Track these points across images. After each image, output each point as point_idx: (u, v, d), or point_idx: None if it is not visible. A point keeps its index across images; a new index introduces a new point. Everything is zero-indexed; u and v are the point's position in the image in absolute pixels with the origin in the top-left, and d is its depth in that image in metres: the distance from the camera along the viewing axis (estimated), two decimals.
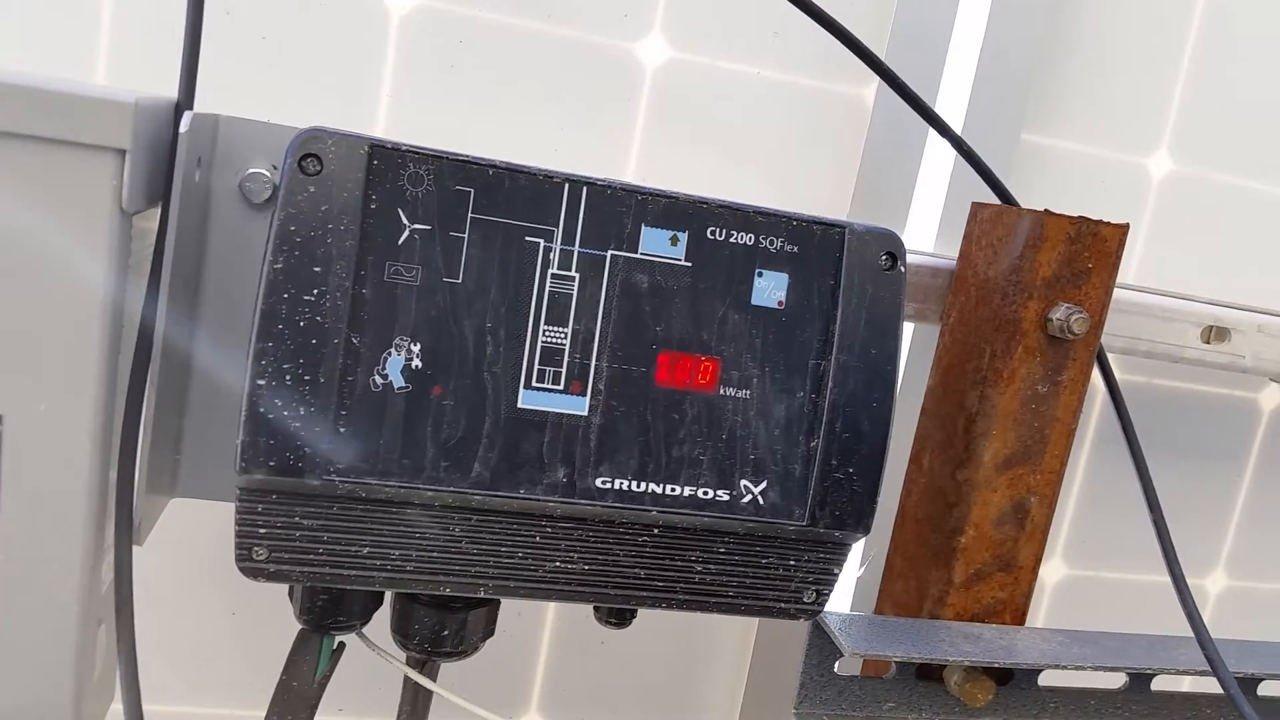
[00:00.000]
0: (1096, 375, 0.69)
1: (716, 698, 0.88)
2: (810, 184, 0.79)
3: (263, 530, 0.44)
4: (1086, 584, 0.95)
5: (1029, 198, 0.68)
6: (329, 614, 0.51)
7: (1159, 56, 0.86)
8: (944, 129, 0.66)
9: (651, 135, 0.76)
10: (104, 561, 0.47)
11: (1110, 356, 0.70)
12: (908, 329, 0.80)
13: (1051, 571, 0.94)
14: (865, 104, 0.79)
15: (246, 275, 0.50)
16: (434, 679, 0.55)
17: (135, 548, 0.46)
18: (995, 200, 0.68)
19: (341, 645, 0.54)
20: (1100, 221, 0.64)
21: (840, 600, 0.84)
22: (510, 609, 0.78)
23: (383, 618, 0.55)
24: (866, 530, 0.51)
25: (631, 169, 0.76)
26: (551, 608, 0.83)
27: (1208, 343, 0.80)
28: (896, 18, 0.77)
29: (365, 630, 0.54)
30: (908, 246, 0.51)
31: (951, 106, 0.80)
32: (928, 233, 0.80)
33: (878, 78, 0.66)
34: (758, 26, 0.76)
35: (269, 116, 0.51)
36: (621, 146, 0.75)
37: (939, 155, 0.80)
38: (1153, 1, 0.85)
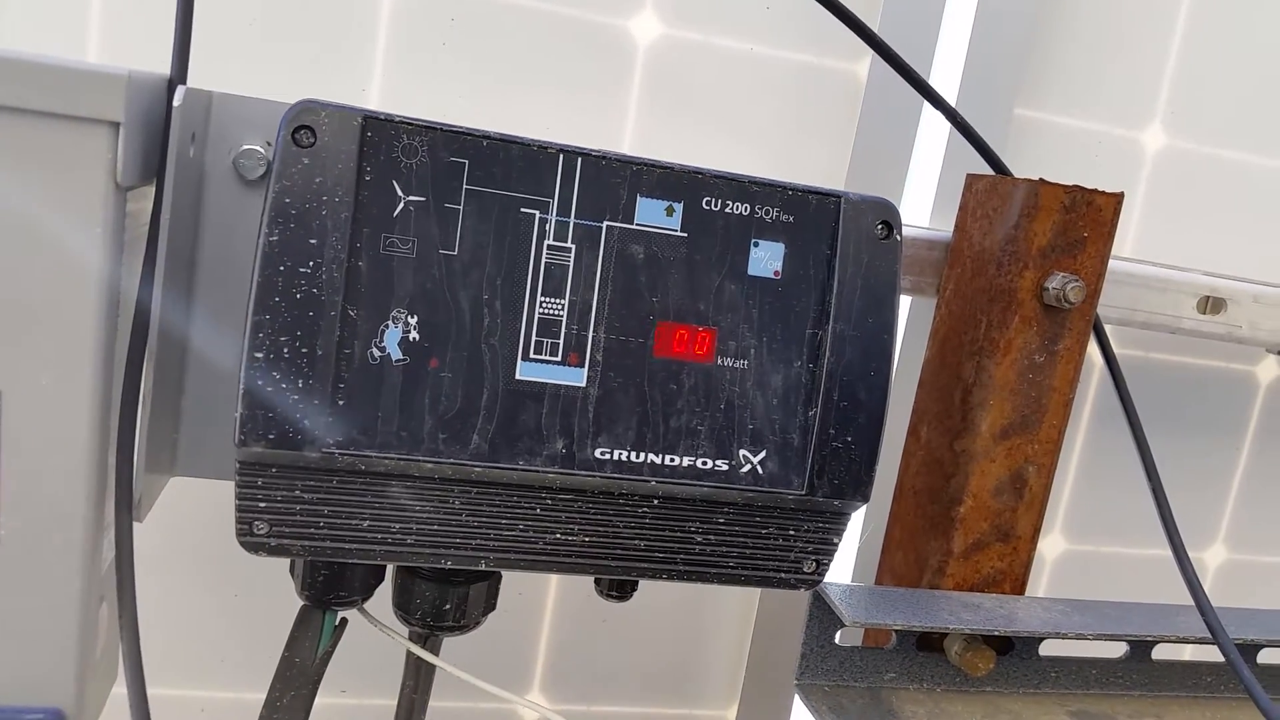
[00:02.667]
0: (1093, 350, 0.69)
1: (719, 672, 0.89)
2: (805, 159, 0.79)
3: (263, 504, 0.44)
4: (1086, 559, 0.96)
5: (1022, 172, 0.68)
6: (330, 589, 0.51)
7: (1152, 30, 0.86)
8: (938, 101, 0.66)
9: (645, 112, 0.76)
10: (105, 539, 0.47)
11: (1107, 329, 0.70)
12: (904, 302, 0.80)
13: (1051, 546, 0.94)
14: (859, 79, 0.79)
15: (241, 252, 0.50)
16: (436, 654, 0.55)
17: (136, 526, 0.46)
18: (990, 172, 0.68)
19: (344, 621, 0.54)
20: (1095, 190, 0.64)
21: (841, 573, 0.84)
22: (512, 588, 0.78)
23: (384, 596, 0.55)
24: (865, 499, 0.51)
25: (626, 145, 0.76)
26: (553, 586, 0.83)
27: (1204, 313, 0.80)
28: None
29: (367, 607, 0.54)
30: (904, 221, 0.51)
31: (944, 82, 0.80)
32: (923, 207, 0.80)
33: (871, 52, 0.66)
34: (749, 2, 0.76)
35: (261, 95, 0.51)
36: (615, 123, 0.75)
37: (933, 130, 0.80)
38: None
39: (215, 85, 0.50)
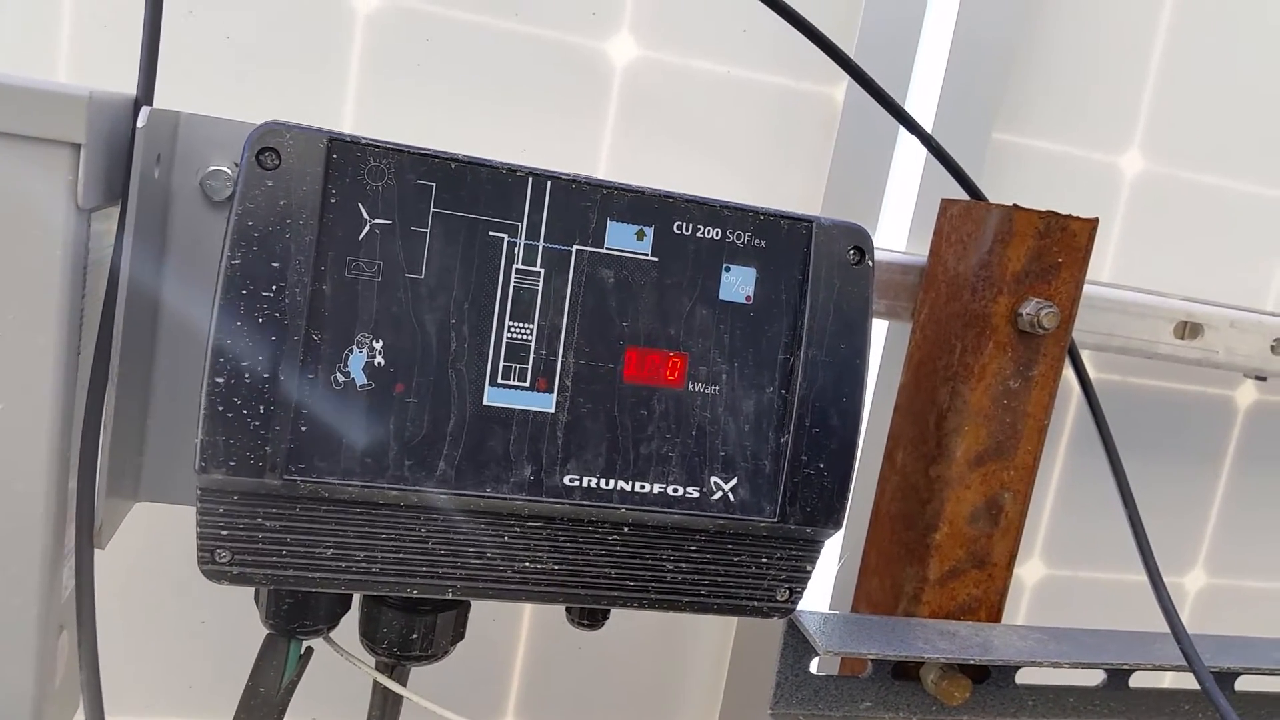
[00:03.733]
0: (1071, 376, 0.69)
1: (695, 701, 0.88)
2: (781, 184, 0.79)
3: (225, 532, 0.44)
4: (1066, 584, 0.95)
5: (1000, 197, 0.68)
6: (295, 618, 0.51)
7: (1130, 55, 0.87)
8: (913, 125, 0.65)
9: (621, 134, 0.75)
10: (65, 567, 0.46)
11: (1084, 353, 0.70)
12: (881, 327, 0.80)
13: (1031, 572, 0.94)
14: (835, 103, 0.79)
15: (208, 275, 0.49)
16: (404, 684, 0.54)
17: (99, 553, 0.45)
18: (965, 197, 0.68)
19: (309, 650, 0.53)
20: (1069, 216, 0.64)
21: (819, 600, 0.83)
22: (485, 614, 0.78)
23: (351, 623, 0.54)
24: (838, 526, 0.50)
25: (601, 168, 0.75)
26: (527, 613, 0.82)
27: (1181, 338, 0.80)
28: (865, 17, 0.77)
29: (334, 635, 0.53)
30: (880, 245, 0.51)
31: (921, 106, 0.80)
32: (899, 232, 0.80)
33: (848, 77, 0.66)
34: (727, 25, 0.76)
35: (232, 117, 0.50)
36: (591, 145, 0.75)
37: (910, 155, 0.80)
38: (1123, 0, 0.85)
39: (183, 107, 0.49)
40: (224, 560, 0.44)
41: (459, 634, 0.54)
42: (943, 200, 0.70)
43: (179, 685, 0.77)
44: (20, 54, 0.66)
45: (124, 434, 0.49)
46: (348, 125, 0.71)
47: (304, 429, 0.43)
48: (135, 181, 0.44)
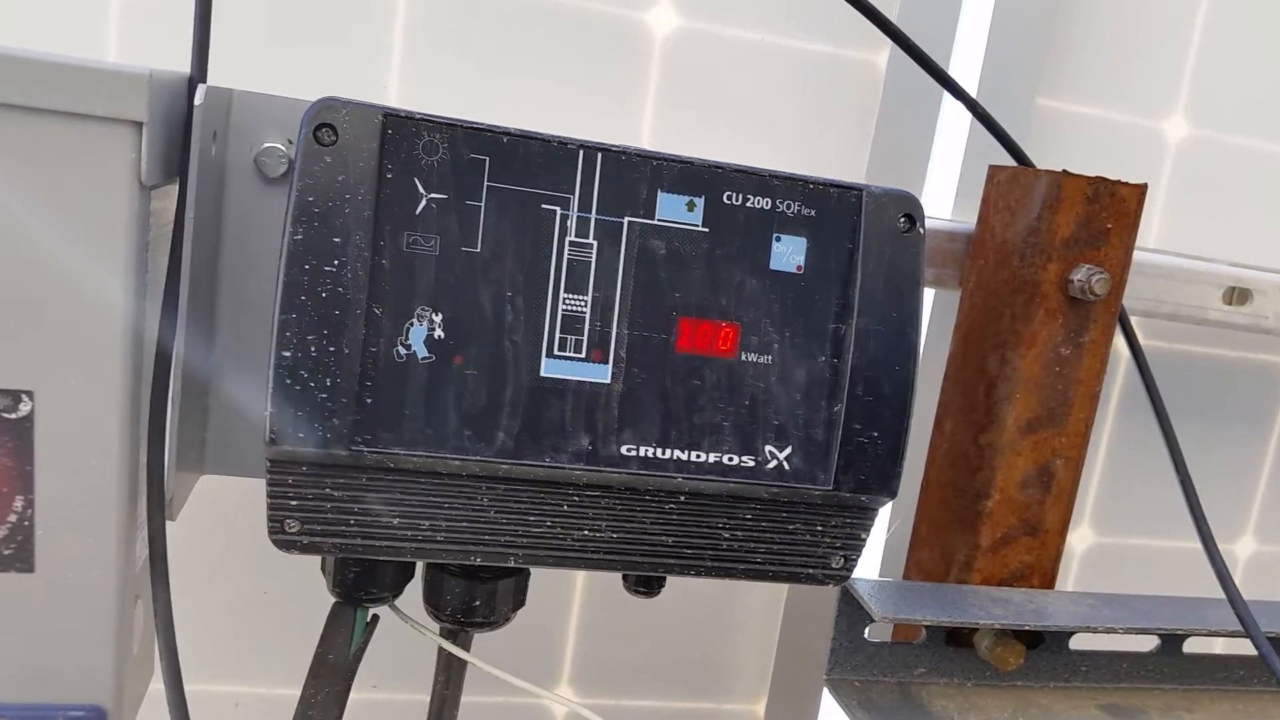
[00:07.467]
0: (1119, 342, 0.68)
1: (748, 666, 0.88)
2: (825, 152, 0.79)
3: (294, 503, 0.45)
4: (1115, 551, 0.95)
5: (1043, 164, 0.68)
6: (361, 586, 0.52)
7: (1173, 19, 0.86)
8: (958, 91, 0.65)
9: (663, 105, 0.75)
10: (138, 538, 0.47)
11: (1133, 320, 0.70)
12: (928, 296, 0.80)
13: (1080, 539, 0.94)
14: (878, 70, 0.78)
15: (263, 250, 0.50)
16: (467, 650, 0.55)
17: (169, 524, 0.46)
18: (1012, 163, 0.68)
19: (375, 618, 0.54)
20: (1118, 181, 0.64)
21: (869, 568, 0.84)
22: (540, 582, 0.79)
23: (415, 592, 0.55)
24: (892, 494, 0.51)
25: (644, 139, 0.76)
26: (581, 581, 0.83)
27: (1230, 304, 0.79)
28: None
29: (398, 603, 0.54)
30: (925, 213, 0.51)
31: (964, 73, 0.79)
32: (945, 199, 0.80)
33: (890, 43, 0.66)
34: None
35: (275, 93, 0.51)
36: (633, 116, 0.75)
37: (954, 121, 0.79)
38: None
39: (228, 82, 0.50)
40: (294, 530, 0.45)
41: (520, 601, 0.55)
42: (990, 167, 0.69)
43: (244, 653, 0.78)
44: (72, 36, 0.67)
45: (189, 409, 0.50)
46: (391, 100, 0.71)
47: (369, 401, 0.43)
48: (195, 158, 0.45)
